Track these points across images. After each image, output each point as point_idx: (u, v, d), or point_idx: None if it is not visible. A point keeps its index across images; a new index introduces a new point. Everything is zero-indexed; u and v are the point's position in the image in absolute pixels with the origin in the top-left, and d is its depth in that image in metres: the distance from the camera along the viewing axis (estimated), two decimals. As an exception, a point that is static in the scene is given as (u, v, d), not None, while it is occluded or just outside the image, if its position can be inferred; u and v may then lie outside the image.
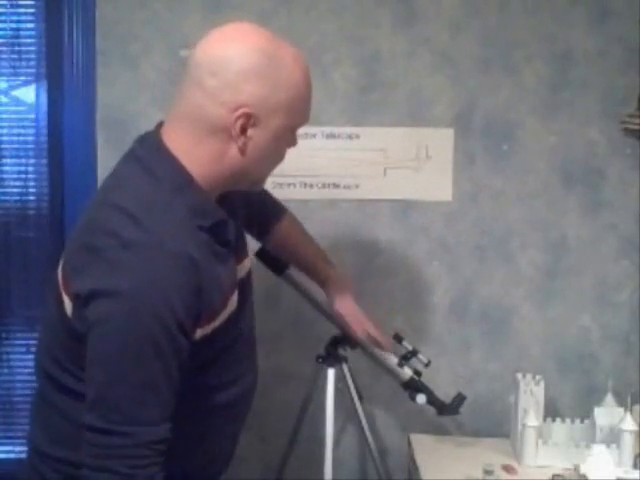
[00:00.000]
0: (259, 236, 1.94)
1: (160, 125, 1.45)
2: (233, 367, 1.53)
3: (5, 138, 2.45)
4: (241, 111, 1.35)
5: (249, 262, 1.61)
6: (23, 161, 2.46)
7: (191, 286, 1.33)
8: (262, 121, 1.38)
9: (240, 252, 1.55)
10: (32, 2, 2.40)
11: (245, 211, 1.64)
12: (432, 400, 2.14)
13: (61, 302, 1.39)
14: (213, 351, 1.46)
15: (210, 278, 1.37)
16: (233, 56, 1.36)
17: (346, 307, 1.98)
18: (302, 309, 2.24)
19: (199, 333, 1.39)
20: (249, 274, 1.61)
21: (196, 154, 1.39)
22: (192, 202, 1.38)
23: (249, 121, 1.36)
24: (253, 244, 2.17)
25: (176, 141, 1.39)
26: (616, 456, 2.02)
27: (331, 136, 2.37)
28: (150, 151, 1.41)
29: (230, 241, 1.46)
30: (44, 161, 2.44)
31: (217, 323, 1.42)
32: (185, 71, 1.40)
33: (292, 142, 1.48)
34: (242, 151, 1.39)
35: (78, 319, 1.34)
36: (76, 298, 1.35)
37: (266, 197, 1.91)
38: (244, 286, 1.55)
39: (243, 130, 1.37)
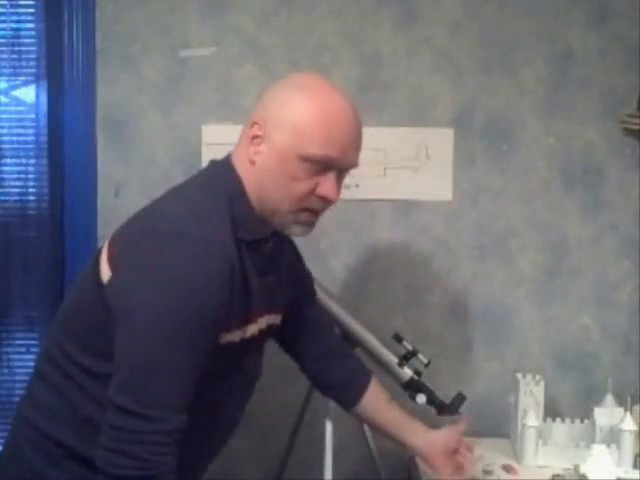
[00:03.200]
0: (345, 402, 1.84)
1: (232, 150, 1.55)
2: (224, 392, 1.54)
3: (5, 138, 2.45)
4: (252, 121, 1.46)
5: (274, 319, 1.62)
6: (23, 161, 2.45)
7: (227, 288, 1.39)
8: (267, 132, 1.44)
9: (267, 302, 1.56)
10: (32, 2, 2.40)
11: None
12: (432, 400, 2.13)
13: (97, 272, 1.43)
14: (216, 367, 1.46)
15: (239, 291, 1.43)
16: (276, 85, 1.49)
17: (445, 464, 1.80)
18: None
19: (222, 339, 1.43)
20: (270, 330, 1.62)
21: (240, 166, 1.49)
22: (239, 214, 1.45)
23: (258, 132, 1.44)
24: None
25: (236, 159, 1.50)
26: (616, 456, 2.02)
27: (331, 136, 2.36)
28: (219, 165, 1.52)
29: (266, 267, 1.51)
30: (44, 161, 2.44)
31: (232, 339, 1.46)
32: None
33: (302, 174, 1.43)
34: (252, 162, 1.46)
35: (115, 293, 1.38)
36: (118, 274, 1.39)
37: (352, 358, 1.87)
38: (260, 334, 1.57)
39: (253, 139, 1.45)
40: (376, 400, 1.81)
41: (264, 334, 1.59)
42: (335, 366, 1.81)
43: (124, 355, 1.36)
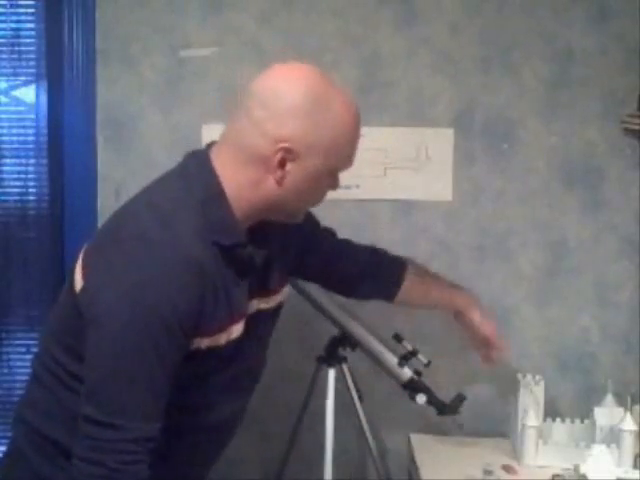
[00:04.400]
0: (388, 295, 1.97)
1: (212, 144, 1.52)
2: (213, 393, 1.53)
3: (5, 138, 2.45)
4: (281, 145, 1.41)
5: (265, 303, 1.61)
6: (23, 161, 2.45)
7: (195, 292, 1.37)
8: (301, 158, 1.43)
9: (258, 287, 1.55)
10: (32, 2, 2.40)
11: (315, 261, 1.81)
12: (432, 400, 2.14)
13: (73, 280, 1.45)
14: (205, 369, 1.48)
15: (214, 296, 1.41)
16: (284, 92, 1.42)
17: (492, 329, 2.03)
18: (302, 309, 2.24)
19: (195, 343, 1.41)
20: (266, 316, 1.61)
21: (234, 177, 1.44)
22: (215, 218, 1.43)
23: (288, 155, 1.42)
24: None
25: (220, 161, 1.46)
26: (616, 456, 2.02)
27: (331, 136, 2.36)
28: (196, 162, 1.48)
29: (245, 269, 1.48)
30: (44, 161, 2.44)
31: (214, 343, 1.44)
32: (240, 97, 1.47)
33: (333, 184, 1.52)
34: (279, 183, 1.44)
35: (85, 303, 1.39)
36: (87, 283, 1.41)
37: (381, 259, 1.96)
38: (254, 324, 1.55)
39: (282, 164, 1.42)
40: (411, 287, 1.95)
41: (258, 323, 1.57)
42: (367, 279, 1.91)
43: (90, 364, 1.37)
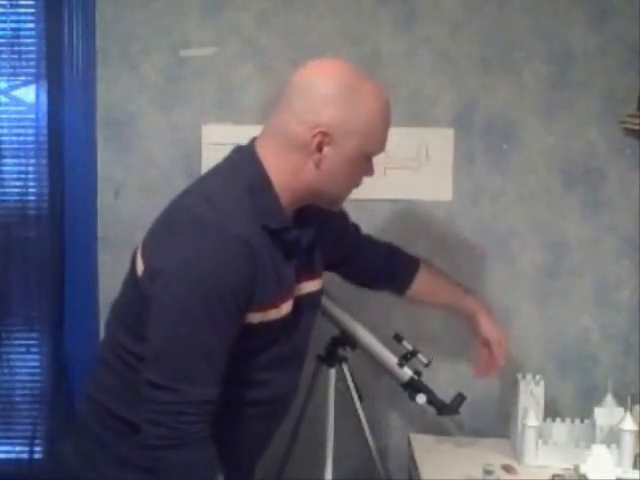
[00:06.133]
0: (399, 290, 2.09)
1: (255, 138, 1.64)
2: (267, 369, 1.64)
3: (5, 138, 2.44)
4: (318, 129, 1.54)
5: (313, 286, 1.74)
6: (23, 161, 2.45)
7: (247, 269, 1.50)
8: (337, 141, 1.55)
9: (302, 272, 1.67)
10: (32, 2, 2.39)
11: (343, 254, 1.94)
12: (432, 400, 2.14)
13: (135, 267, 1.59)
14: (255, 344, 1.59)
15: (264, 272, 1.53)
16: (319, 83, 1.56)
17: (496, 336, 2.07)
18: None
19: (250, 318, 1.54)
20: (313, 298, 1.74)
21: (278, 165, 1.58)
22: (263, 204, 1.55)
23: (325, 139, 1.54)
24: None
25: (264, 150, 1.59)
26: (616, 456, 2.02)
27: (331, 136, 2.36)
28: (243, 155, 1.62)
29: (292, 251, 1.60)
30: (44, 161, 2.43)
31: (265, 318, 1.56)
32: (283, 90, 1.61)
33: (368, 170, 1.65)
34: (317, 166, 1.57)
35: (147, 282, 1.52)
36: (148, 265, 1.54)
37: (397, 256, 2.07)
38: (302, 305, 1.67)
39: (319, 147, 1.55)
40: (422, 284, 2.05)
41: (305, 304, 1.69)
42: (383, 273, 2.04)
43: (152, 333, 1.50)
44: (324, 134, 1.54)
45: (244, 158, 1.60)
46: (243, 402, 1.64)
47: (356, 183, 1.66)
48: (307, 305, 1.71)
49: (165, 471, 1.51)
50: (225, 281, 1.48)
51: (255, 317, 1.55)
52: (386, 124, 1.61)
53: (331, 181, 1.59)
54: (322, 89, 1.55)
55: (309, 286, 1.72)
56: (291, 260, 1.61)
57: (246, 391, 1.64)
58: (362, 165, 1.62)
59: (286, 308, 1.61)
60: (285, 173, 1.57)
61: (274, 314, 1.58)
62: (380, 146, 1.63)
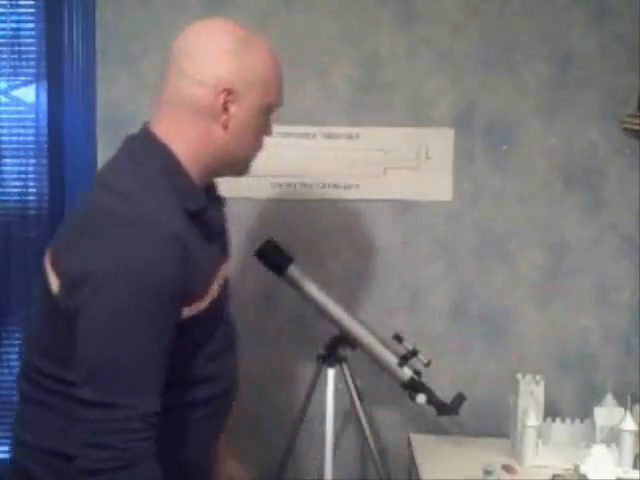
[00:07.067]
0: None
1: (147, 123, 1.54)
2: (212, 362, 1.53)
3: (5, 138, 2.45)
4: (222, 87, 1.45)
5: (227, 269, 1.61)
6: (23, 161, 2.45)
7: (179, 259, 1.38)
8: (241, 97, 1.47)
9: (220, 253, 1.57)
10: (32, 2, 2.40)
11: None
12: (432, 400, 2.14)
13: (47, 284, 1.42)
14: (194, 339, 1.47)
15: (194, 258, 1.42)
16: (211, 41, 1.49)
17: None
18: (302, 309, 2.25)
19: (186, 312, 1.41)
20: (227, 282, 1.61)
21: (183, 137, 1.47)
22: (178, 187, 1.44)
23: (229, 97, 1.46)
24: (248, 245, 2.17)
25: (163, 128, 1.49)
26: (616, 456, 2.02)
27: (331, 136, 2.37)
28: (140, 140, 1.51)
29: (211, 233, 1.50)
30: (44, 161, 2.43)
31: (202, 305, 1.45)
32: (166, 63, 1.52)
33: (268, 129, 1.57)
34: (225, 127, 1.48)
35: (67, 296, 1.37)
36: (66, 276, 1.38)
37: None
38: (223, 290, 1.56)
39: (225, 107, 1.47)
40: None
41: (224, 289, 1.58)
42: None
43: (84, 347, 1.35)
44: (228, 91, 1.46)
45: (145, 144, 1.49)
46: (197, 402, 1.51)
47: (260, 144, 1.57)
48: (225, 290, 1.58)
49: None
50: (159, 278, 1.35)
51: (191, 310, 1.43)
52: (280, 75, 1.54)
53: (240, 142, 1.51)
54: (215, 46, 1.48)
55: (225, 269, 1.59)
56: (212, 243, 1.51)
57: (199, 389, 1.51)
58: (264, 122, 1.54)
59: (215, 290, 1.50)
60: (192, 145, 1.47)
61: (206, 302, 1.46)
62: (279, 98, 1.55)
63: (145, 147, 1.48)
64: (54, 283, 1.41)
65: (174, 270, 1.37)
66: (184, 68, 1.47)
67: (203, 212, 1.48)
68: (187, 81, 1.47)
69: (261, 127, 1.54)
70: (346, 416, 2.34)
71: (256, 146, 1.57)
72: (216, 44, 1.48)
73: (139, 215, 1.37)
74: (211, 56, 1.47)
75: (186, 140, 1.47)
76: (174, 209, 1.42)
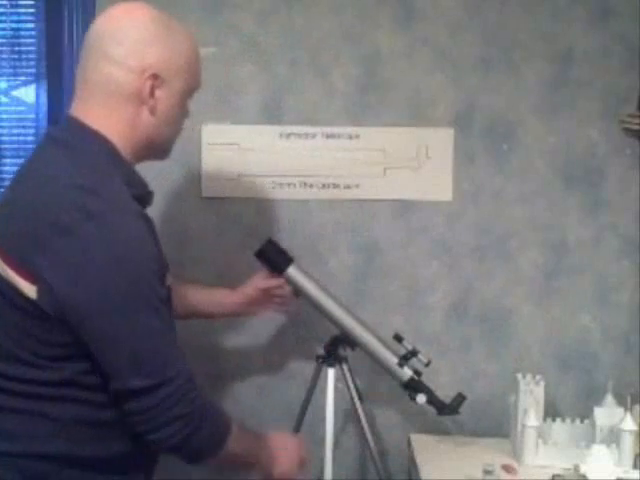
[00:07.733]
0: None
1: (69, 115, 1.52)
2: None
3: (5, 138, 2.45)
4: (148, 73, 1.48)
5: None
6: (23, 161, 2.45)
7: (152, 240, 1.46)
8: (167, 82, 1.50)
9: None
10: (32, 2, 2.40)
11: None
12: (432, 400, 2.14)
13: (14, 289, 1.39)
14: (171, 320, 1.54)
15: (156, 236, 1.51)
16: (135, 26, 1.49)
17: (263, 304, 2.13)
18: (302, 309, 2.24)
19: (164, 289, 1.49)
20: None
21: (112, 124, 1.48)
22: (123, 171, 1.48)
23: (156, 82, 1.49)
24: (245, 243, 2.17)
25: (93, 115, 1.48)
26: (616, 456, 2.02)
27: (331, 136, 2.36)
28: (72, 132, 1.49)
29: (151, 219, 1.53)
30: (44, 161, 2.43)
31: (168, 281, 1.52)
32: (85, 49, 1.51)
33: (188, 112, 1.60)
34: (152, 112, 1.50)
35: (54, 301, 1.36)
36: (50, 281, 1.36)
37: None
38: None
39: (152, 92, 1.49)
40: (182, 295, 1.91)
41: None
42: None
43: (113, 348, 1.39)
44: (155, 76, 1.48)
45: (79, 136, 1.47)
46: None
47: (181, 127, 1.60)
48: None
49: (202, 451, 1.48)
50: (146, 258, 1.41)
51: (164, 288, 1.48)
52: (200, 59, 1.58)
53: (166, 126, 1.54)
54: (139, 31, 1.48)
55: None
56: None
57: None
58: (185, 105, 1.58)
59: (169, 278, 1.55)
60: (122, 131, 1.48)
61: (169, 279, 1.53)
62: (199, 82, 1.59)
63: (80, 138, 1.47)
64: (27, 288, 1.37)
65: (152, 248, 1.44)
66: (111, 54, 1.47)
67: (148, 195, 1.54)
68: (115, 68, 1.47)
69: (183, 110, 1.58)
70: (346, 416, 2.34)
71: (178, 129, 1.60)
72: (143, 30, 1.49)
73: (110, 206, 1.39)
74: (140, 42, 1.48)
75: (117, 126, 1.48)
76: (129, 194, 1.45)
